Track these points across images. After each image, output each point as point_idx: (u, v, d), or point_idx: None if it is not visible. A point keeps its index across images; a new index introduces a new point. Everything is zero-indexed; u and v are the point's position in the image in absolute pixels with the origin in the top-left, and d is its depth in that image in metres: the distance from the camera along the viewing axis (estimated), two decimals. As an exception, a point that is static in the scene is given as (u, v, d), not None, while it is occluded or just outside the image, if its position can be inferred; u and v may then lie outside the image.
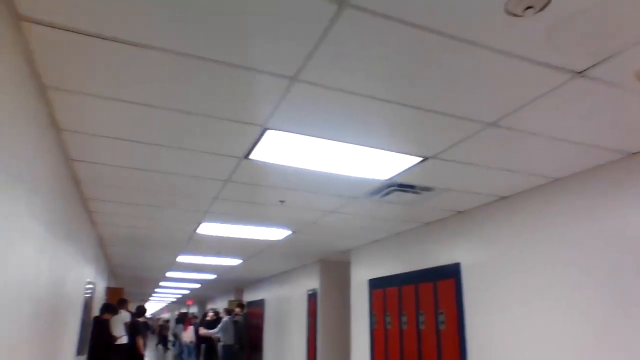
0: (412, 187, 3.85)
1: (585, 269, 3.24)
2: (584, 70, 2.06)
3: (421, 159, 3.20)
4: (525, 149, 2.99)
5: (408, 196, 4.10)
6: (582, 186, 3.35)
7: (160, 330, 23.27)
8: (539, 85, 2.21)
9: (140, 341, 7.73)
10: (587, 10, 1.67)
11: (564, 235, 3.46)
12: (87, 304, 6.44)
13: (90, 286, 6.60)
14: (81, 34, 1.87)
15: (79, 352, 6.02)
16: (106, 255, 8.59)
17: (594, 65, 2.03)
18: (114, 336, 7.44)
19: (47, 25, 1.83)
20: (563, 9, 1.67)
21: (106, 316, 7.27)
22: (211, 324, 12.80)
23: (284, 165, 3.38)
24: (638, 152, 2.96)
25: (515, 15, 1.69)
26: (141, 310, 8.90)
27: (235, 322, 11.40)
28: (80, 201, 4.44)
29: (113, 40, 1.91)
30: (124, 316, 8.88)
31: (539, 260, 3.65)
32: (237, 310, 11.89)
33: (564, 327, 3.36)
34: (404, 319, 5.45)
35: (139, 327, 7.99)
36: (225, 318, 11.64)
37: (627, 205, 3.01)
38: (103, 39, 1.90)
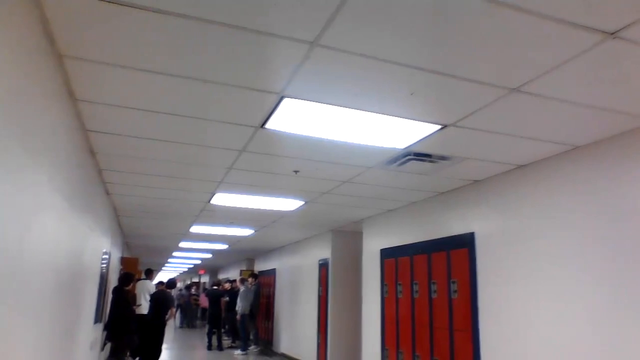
0: (428, 156, 3.80)
1: (601, 239, 3.21)
2: (617, 30, 1.98)
3: (440, 126, 3.14)
4: (547, 116, 2.91)
5: (424, 165, 4.06)
6: (601, 154, 3.28)
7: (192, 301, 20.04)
8: (568, 48, 2.13)
9: (173, 311, 8.02)
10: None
11: (580, 204, 3.41)
12: (104, 274, 6.55)
13: (106, 256, 6.70)
14: (97, -1, 1.82)
15: (97, 320, 6.17)
16: (120, 225, 8.69)
17: (628, 26, 1.94)
18: (132, 307, 7.64)
19: (62, -10, 1.78)
20: (601, -35, 1.58)
21: (125, 286, 7.43)
22: (226, 293, 13.14)
23: (299, 135, 3.34)
24: (664, 118, 2.88)
25: (549, -28, 1.61)
26: (173, 282, 9.20)
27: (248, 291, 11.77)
28: (95, 172, 4.45)
29: (130, 6, 1.86)
30: (149, 286, 9.10)
31: (555, 230, 3.62)
32: (250, 279, 12.15)
33: (577, 298, 3.36)
34: (416, 287, 5.49)
35: (171, 299, 8.20)
36: (242, 288, 11.94)
37: (651, 172, 2.95)
38: (119, 4, 1.85)
